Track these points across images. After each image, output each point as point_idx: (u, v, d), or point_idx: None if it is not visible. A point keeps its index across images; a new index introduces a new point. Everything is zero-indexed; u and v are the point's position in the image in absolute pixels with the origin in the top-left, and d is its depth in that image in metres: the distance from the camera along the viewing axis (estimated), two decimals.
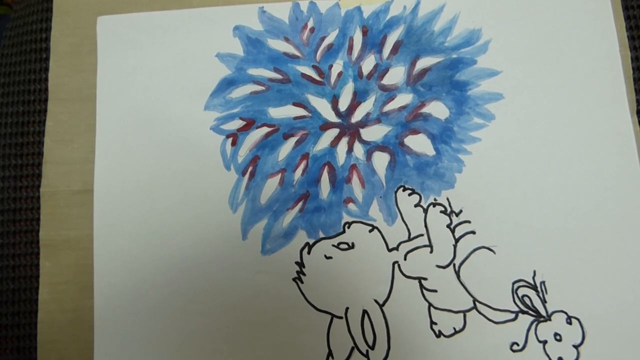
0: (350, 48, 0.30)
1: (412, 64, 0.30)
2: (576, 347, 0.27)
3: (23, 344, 0.29)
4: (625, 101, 0.29)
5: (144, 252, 0.29)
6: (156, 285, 0.28)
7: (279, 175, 0.29)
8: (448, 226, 0.28)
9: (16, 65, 0.32)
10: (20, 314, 0.29)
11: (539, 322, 0.27)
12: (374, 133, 0.30)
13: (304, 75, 0.30)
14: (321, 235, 0.29)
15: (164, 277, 0.28)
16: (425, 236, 0.28)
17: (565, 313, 0.27)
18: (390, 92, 0.30)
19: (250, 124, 0.30)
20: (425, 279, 0.28)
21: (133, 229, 0.29)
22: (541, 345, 0.27)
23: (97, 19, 0.31)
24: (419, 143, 0.29)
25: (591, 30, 0.30)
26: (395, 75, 0.30)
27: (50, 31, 0.31)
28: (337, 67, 0.30)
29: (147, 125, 0.30)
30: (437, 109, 0.30)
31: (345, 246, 0.28)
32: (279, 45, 0.31)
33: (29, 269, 0.29)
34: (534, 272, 0.28)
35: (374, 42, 0.30)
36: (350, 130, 0.30)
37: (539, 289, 0.28)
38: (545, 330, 0.27)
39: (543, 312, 0.27)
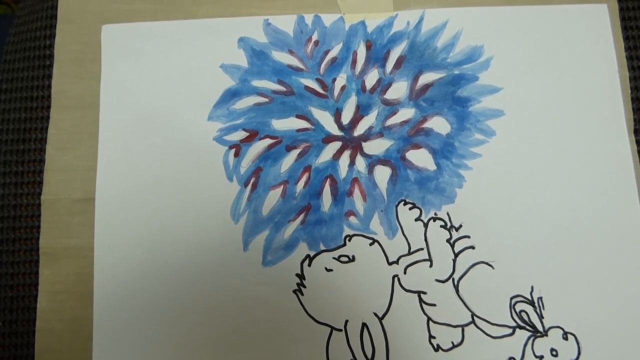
0: (354, 62, 0.31)
1: (415, 79, 0.30)
2: None
3: (21, 353, 0.29)
4: (623, 120, 0.30)
5: (144, 261, 0.29)
6: (156, 295, 0.28)
7: (281, 187, 0.29)
8: (448, 241, 0.29)
9: (19, 72, 0.32)
10: (18, 322, 0.29)
11: (536, 337, 0.28)
12: (376, 147, 0.30)
13: (307, 88, 0.30)
14: (322, 247, 0.29)
15: (164, 287, 0.28)
16: (425, 250, 0.29)
17: (562, 329, 0.28)
18: (392, 107, 0.30)
19: (253, 136, 0.30)
20: (424, 292, 0.28)
21: (134, 238, 0.29)
22: None
23: (101, 27, 0.31)
24: (420, 158, 0.30)
25: (591, 50, 0.30)
26: (398, 90, 0.30)
27: (54, 38, 0.31)
28: (341, 80, 0.30)
29: (149, 135, 0.30)
30: (439, 124, 0.30)
31: (346, 259, 0.29)
32: (283, 57, 0.31)
33: (28, 276, 0.29)
34: (532, 287, 0.28)
35: (377, 57, 0.31)
36: (352, 144, 0.30)
37: (536, 304, 0.28)
38: (542, 345, 0.28)
39: (540, 328, 0.28)
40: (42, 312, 0.29)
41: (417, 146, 0.30)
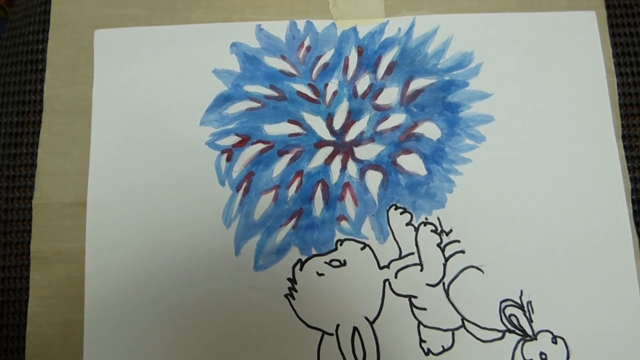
0: (346, 67, 0.31)
1: (406, 84, 0.31)
2: None
3: (11, 357, 0.28)
4: (611, 126, 0.30)
5: (135, 265, 0.29)
6: (147, 299, 0.28)
7: (273, 192, 0.30)
8: (438, 245, 0.29)
9: (11, 76, 0.32)
10: (8, 327, 0.29)
11: (525, 341, 0.28)
12: (368, 152, 0.30)
13: (299, 93, 0.31)
14: (314, 252, 0.29)
15: (156, 292, 0.28)
16: (416, 255, 0.29)
17: (551, 333, 0.28)
18: (384, 112, 0.31)
19: (245, 140, 0.30)
20: (415, 297, 0.28)
21: (125, 242, 0.29)
22: None
23: (94, 32, 0.31)
24: (411, 163, 0.30)
25: (579, 57, 0.31)
26: (389, 95, 0.31)
27: (47, 43, 0.31)
28: (333, 86, 0.31)
29: (142, 139, 0.30)
30: (429, 130, 0.30)
31: (337, 263, 0.29)
32: (275, 62, 0.31)
33: (19, 281, 0.29)
34: (521, 291, 0.28)
35: (369, 63, 0.31)
36: (344, 149, 0.30)
37: (525, 308, 0.28)
38: (531, 349, 0.28)
39: (529, 332, 0.28)
40: (32, 316, 0.28)
41: (408, 151, 0.30)
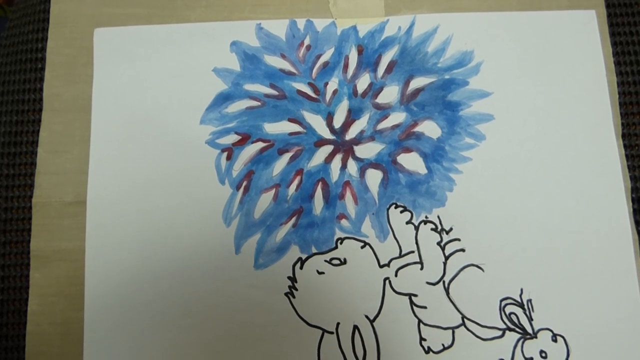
0: (346, 66, 0.31)
1: (406, 83, 0.31)
2: None
3: (11, 356, 0.28)
4: (611, 125, 0.30)
5: (135, 264, 0.29)
6: (148, 298, 0.28)
7: (273, 190, 0.30)
8: (438, 244, 0.29)
9: (11, 75, 0.32)
10: (8, 326, 0.29)
11: (525, 339, 0.28)
12: (368, 150, 0.30)
13: (299, 91, 0.31)
14: (314, 250, 0.29)
15: (156, 290, 0.28)
16: (416, 253, 0.29)
17: (551, 331, 0.28)
18: (384, 111, 0.31)
19: (245, 139, 0.30)
20: (415, 295, 0.28)
21: (125, 241, 0.29)
22: None
23: (94, 30, 0.31)
24: (411, 161, 0.30)
25: (579, 56, 0.31)
26: (389, 94, 0.31)
27: (46, 41, 0.31)
28: (333, 84, 0.31)
29: (141, 138, 0.30)
30: (430, 128, 0.30)
31: (338, 262, 0.29)
32: (275, 61, 0.31)
33: (19, 280, 0.29)
34: (521, 290, 0.28)
35: (369, 61, 0.31)
36: (344, 147, 0.30)
37: (525, 306, 0.28)
38: (531, 347, 0.28)
39: (529, 330, 0.28)
40: (32, 315, 0.28)
41: (408, 150, 0.30)
